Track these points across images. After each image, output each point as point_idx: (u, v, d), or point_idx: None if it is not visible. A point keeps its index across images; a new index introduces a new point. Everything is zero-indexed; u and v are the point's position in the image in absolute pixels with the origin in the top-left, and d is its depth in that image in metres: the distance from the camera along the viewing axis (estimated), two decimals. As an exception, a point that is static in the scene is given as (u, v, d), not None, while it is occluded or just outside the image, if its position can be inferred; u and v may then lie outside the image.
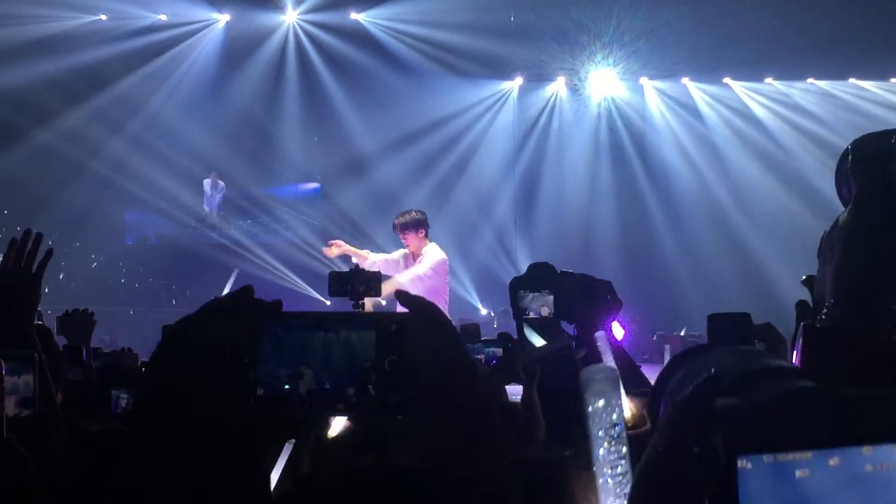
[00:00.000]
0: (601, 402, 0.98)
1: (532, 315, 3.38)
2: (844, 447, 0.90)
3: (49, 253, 2.86)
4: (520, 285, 3.41)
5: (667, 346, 11.44)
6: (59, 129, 16.03)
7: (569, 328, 3.16)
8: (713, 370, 0.98)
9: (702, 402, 0.93)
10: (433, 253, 8.44)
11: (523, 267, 11.61)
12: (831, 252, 1.51)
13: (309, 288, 16.46)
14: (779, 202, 17.69)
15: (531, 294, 3.38)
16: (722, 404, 0.92)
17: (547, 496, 1.17)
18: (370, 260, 8.59)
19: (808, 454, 0.89)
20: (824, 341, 1.46)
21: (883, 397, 0.93)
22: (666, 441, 0.95)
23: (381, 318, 1.27)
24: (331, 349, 1.25)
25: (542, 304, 3.36)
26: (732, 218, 18.10)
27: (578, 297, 3.14)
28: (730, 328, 3.00)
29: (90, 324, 5.35)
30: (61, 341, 5.27)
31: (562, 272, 3.38)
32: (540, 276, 3.46)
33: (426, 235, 8.50)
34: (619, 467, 0.98)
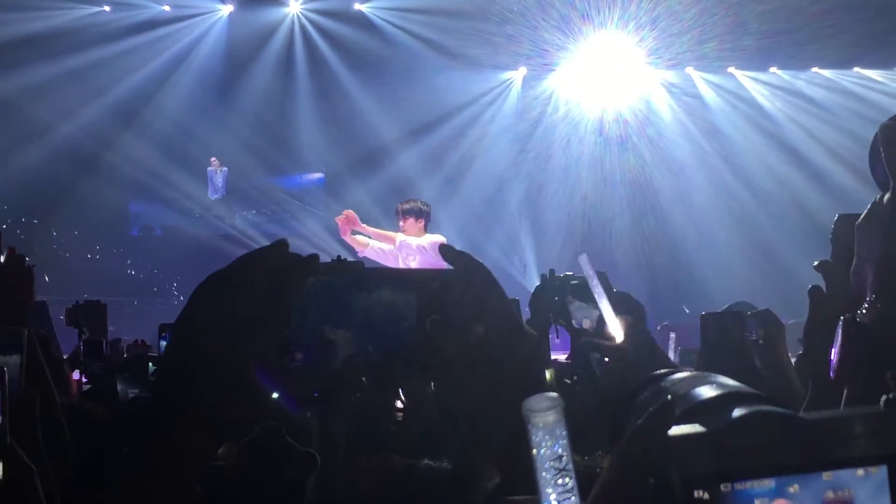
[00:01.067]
0: (545, 433, 0.95)
1: (574, 323, 3.32)
2: (805, 473, 0.87)
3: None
4: (574, 291, 3.32)
5: (672, 335, 11.35)
6: (63, 119, 16.01)
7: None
8: (668, 396, 0.95)
9: (656, 430, 0.90)
10: (435, 236, 8.52)
11: (527, 254, 11.69)
12: (868, 242, 1.47)
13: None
14: (786, 189, 17.67)
15: (578, 303, 3.31)
16: (677, 432, 0.89)
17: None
18: (371, 247, 8.64)
19: (768, 482, 0.87)
20: (866, 336, 1.44)
21: (844, 421, 0.90)
22: (619, 471, 0.93)
23: (423, 276, 1.24)
24: (371, 310, 1.21)
25: (585, 317, 3.30)
26: (740, 205, 18.08)
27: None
28: (723, 327, 2.98)
29: (102, 316, 5.37)
30: (71, 332, 5.28)
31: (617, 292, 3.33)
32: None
33: (425, 227, 8.53)
34: (567, 500, 0.95)
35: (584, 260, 2.51)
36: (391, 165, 17.36)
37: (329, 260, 4.19)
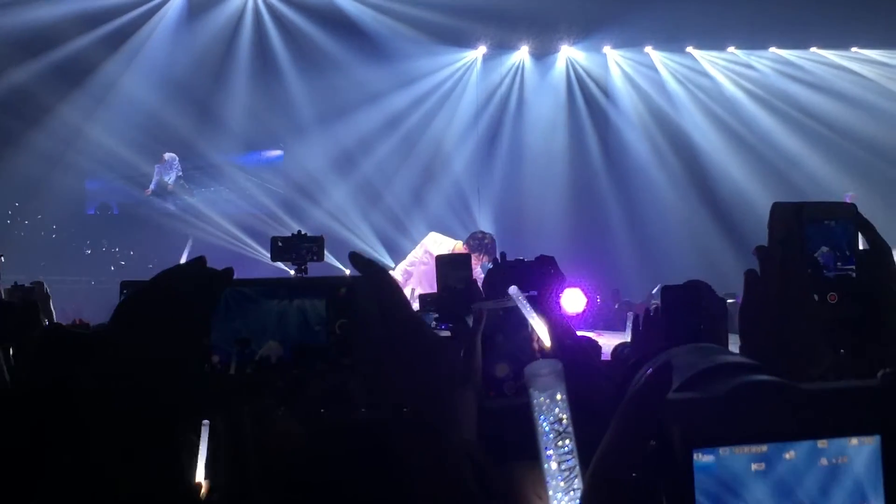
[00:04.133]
0: (546, 397, 0.98)
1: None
2: (800, 441, 0.90)
3: None
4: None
5: (629, 314, 11.51)
6: (12, 98, 15.73)
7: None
8: (666, 360, 0.98)
9: (655, 392, 0.93)
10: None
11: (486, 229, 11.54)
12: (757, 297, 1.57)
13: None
14: (738, 171, 17.80)
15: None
16: (678, 397, 0.92)
17: (495, 491, 1.19)
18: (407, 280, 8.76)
19: (764, 447, 0.90)
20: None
21: (840, 391, 0.94)
22: (620, 434, 0.95)
23: (331, 283, 1.33)
24: (284, 315, 1.27)
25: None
26: (693, 187, 18.18)
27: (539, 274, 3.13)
28: (682, 298, 3.05)
29: (44, 297, 5.32)
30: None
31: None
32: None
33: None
34: (567, 462, 0.97)
35: (514, 291, 2.56)
36: (350, 143, 17.30)
37: (290, 235, 4.12)
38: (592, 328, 11.34)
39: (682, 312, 2.94)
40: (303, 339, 1.29)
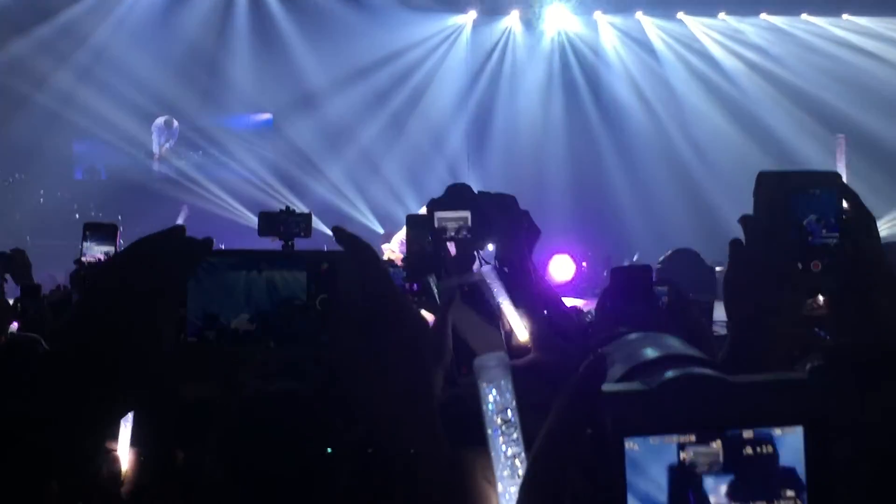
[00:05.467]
0: (494, 388, 1.03)
1: (451, 234, 3.37)
2: (726, 430, 0.95)
3: None
4: (437, 206, 3.37)
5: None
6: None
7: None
8: (600, 350, 1.03)
9: (591, 383, 0.97)
10: None
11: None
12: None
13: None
14: (729, 138, 17.79)
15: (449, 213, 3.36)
16: (612, 388, 0.97)
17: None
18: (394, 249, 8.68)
19: (692, 436, 0.94)
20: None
21: (766, 384, 0.98)
22: (558, 422, 1.00)
23: (313, 257, 1.31)
24: (260, 288, 1.30)
25: (459, 225, 3.35)
26: (683, 153, 18.18)
27: (497, 216, 3.12)
28: (632, 279, 3.06)
29: (25, 264, 5.44)
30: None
31: (479, 192, 3.36)
32: (458, 196, 3.43)
33: None
34: (512, 448, 1.03)
35: (487, 271, 2.56)
36: (338, 107, 17.24)
37: (278, 210, 4.08)
38: (581, 295, 11.43)
39: (630, 295, 2.91)
40: (275, 313, 1.28)
